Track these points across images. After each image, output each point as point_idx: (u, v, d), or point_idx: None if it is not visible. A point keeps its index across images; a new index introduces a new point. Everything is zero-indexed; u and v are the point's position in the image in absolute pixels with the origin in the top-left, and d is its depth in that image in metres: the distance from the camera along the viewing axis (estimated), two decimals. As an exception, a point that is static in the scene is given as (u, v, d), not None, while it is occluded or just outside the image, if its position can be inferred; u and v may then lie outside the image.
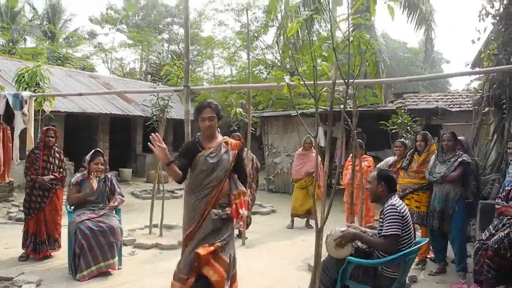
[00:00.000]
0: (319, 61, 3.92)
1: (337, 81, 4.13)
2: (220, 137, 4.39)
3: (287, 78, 3.67)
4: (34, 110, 7.47)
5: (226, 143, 4.36)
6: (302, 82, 3.68)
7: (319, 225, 3.90)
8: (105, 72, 33.14)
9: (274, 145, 15.67)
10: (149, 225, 8.31)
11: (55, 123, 13.45)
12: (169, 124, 17.64)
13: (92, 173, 6.12)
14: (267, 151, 15.88)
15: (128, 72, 34.50)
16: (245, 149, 7.46)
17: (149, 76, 29.63)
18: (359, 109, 7.32)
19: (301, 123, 4.74)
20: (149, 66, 32.43)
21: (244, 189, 4.35)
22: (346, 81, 3.69)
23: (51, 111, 9.17)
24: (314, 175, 5.95)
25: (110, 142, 17.37)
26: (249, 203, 5.23)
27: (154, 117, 8.20)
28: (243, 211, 4.23)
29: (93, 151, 6.24)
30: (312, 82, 3.75)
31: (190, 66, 25.41)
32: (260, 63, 22.44)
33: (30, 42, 27.50)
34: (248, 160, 7.70)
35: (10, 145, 6.84)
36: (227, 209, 4.24)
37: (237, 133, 7.96)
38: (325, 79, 6.65)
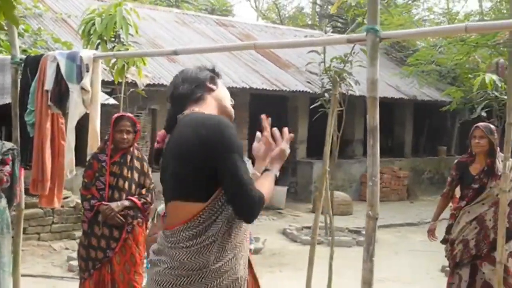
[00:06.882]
0: None
1: None
2: None
3: None
4: (115, 83, 5.45)
5: None
6: None
7: None
8: (252, 18, 23.12)
9: None
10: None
11: (154, 105, 9.52)
12: (355, 106, 11.27)
13: None
14: None
15: (291, 16, 24.00)
16: (500, 154, 4.14)
17: (327, 20, 18.80)
18: None
19: None
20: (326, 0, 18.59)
21: None
22: None
23: (145, 85, 6.16)
24: None
25: (249, 140, 12.29)
26: None
27: (326, 94, 5.87)
28: None
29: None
30: None
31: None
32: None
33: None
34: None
35: (63, 143, 3.88)
36: None
37: (489, 124, 4.39)
38: None
